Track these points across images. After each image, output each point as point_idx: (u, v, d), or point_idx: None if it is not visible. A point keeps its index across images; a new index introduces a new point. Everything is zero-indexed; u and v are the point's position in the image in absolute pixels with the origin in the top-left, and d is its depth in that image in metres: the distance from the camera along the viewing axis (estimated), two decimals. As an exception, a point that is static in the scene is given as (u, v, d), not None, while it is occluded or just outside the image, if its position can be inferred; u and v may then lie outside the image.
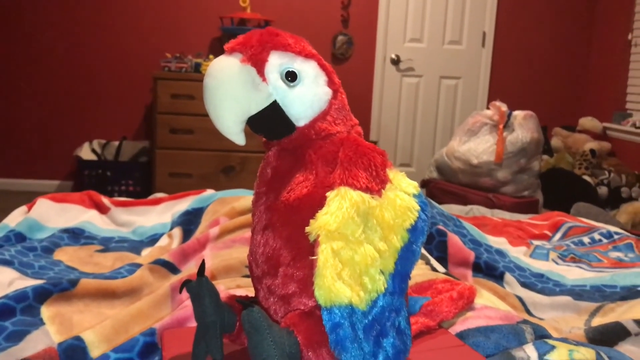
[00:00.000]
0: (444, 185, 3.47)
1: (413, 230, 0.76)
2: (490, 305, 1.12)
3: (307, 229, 0.73)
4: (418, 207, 0.76)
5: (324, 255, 0.70)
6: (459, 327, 1.02)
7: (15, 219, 1.64)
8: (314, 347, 0.73)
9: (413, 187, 0.78)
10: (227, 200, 1.74)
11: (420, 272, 1.25)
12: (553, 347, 0.85)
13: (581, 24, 4.71)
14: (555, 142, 4.40)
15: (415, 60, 4.60)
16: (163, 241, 1.62)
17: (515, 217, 2.27)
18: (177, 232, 1.66)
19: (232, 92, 0.74)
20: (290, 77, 0.77)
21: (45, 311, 1.13)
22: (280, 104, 0.77)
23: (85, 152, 4.05)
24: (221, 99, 0.74)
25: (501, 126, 3.33)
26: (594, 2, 4.68)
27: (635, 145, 4.10)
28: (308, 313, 0.76)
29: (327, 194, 0.74)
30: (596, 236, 1.95)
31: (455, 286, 1.11)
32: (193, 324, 1.04)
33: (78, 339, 1.01)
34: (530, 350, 0.86)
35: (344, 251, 0.71)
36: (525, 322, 1.06)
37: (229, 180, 3.86)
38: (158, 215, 1.81)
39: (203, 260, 0.83)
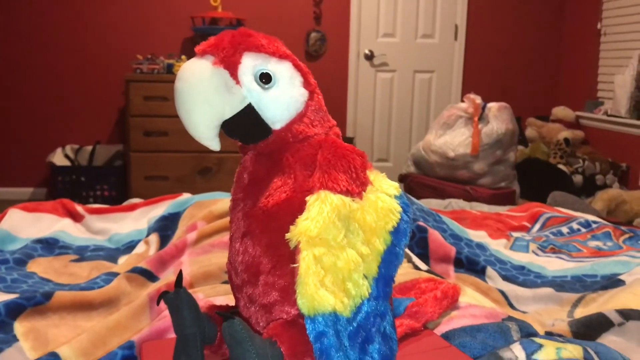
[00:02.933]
0: (422, 179, 3.48)
1: (395, 232, 0.74)
2: (474, 303, 1.11)
3: (287, 235, 0.71)
4: (400, 209, 0.75)
5: (305, 263, 0.68)
6: (444, 327, 1.01)
7: (-14, 231, 1.59)
8: (298, 358, 0.71)
9: (394, 188, 0.76)
10: (204, 204, 1.71)
11: (402, 272, 1.23)
12: (540, 346, 0.85)
13: (551, 14, 4.75)
14: (529, 132, 4.44)
15: (389, 55, 4.59)
16: (140, 248, 1.58)
17: (493, 209, 2.27)
18: (153, 238, 1.62)
19: (204, 97, 0.71)
20: (265, 78, 0.74)
21: (19, 327, 1.09)
22: (255, 107, 0.74)
23: (59, 158, 3.97)
24: (193, 103, 0.71)
25: (476, 118, 3.34)
26: (563, -8, 4.73)
27: (608, 132, 4.15)
28: (291, 322, 0.74)
29: (307, 198, 0.72)
30: (575, 226, 1.96)
31: (439, 285, 1.10)
32: (172, 335, 1.01)
33: (54, 354, 0.98)
34: (517, 350, 0.85)
35: (326, 257, 0.69)
36: (510, 319, 1.05)
37: (206, 182, 3.82)
38: (134, 222, 1.77)
39: (180, 271, 0.80)
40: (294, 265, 0.69)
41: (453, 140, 3.36)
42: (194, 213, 1.68)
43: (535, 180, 3.70)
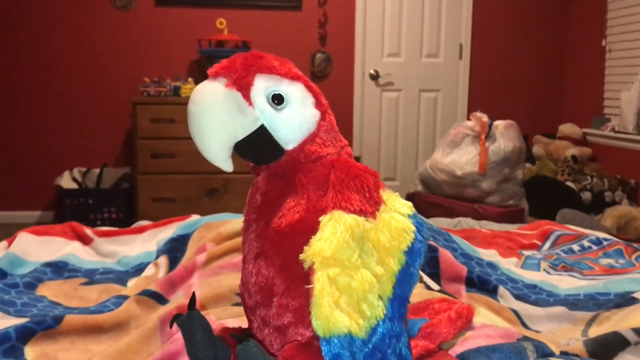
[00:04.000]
0: (429, 198, 3.47)
1: (410, 252, 0.74)
2: (488, 323, 1.10)
3: (302, 256, 0.70)
4: (414, 228, 0.74)
5: (320, 283, 0.68)
6: (459, 348, 1.00)
7: (-5, 254, 1.59)
8: (314, 380, 0.71)
9: (407, 207, 0.76)
10: (213, 225, 1.71)
11: (415, 292, 1.22)
12: (559, 366, 0.83)
13: (555, 31, 4.77)
14: (536, 149, 4.43)
15: (394, 74, 4.61)
16: (149, 271, 1.58)
17: (503, 227, 2.26)
18: (163, 260, 1.62)
19: (218, 118, 0.72)
20: (277, 100, 0.75)
21: (30, 351, 1.08)
22: (268, 128, 0.75)
23: (66, 181, 3.99)
24: (207, 125, 0.72)
25: (483, 136, 3.34)
26: (567, 10, 4.75)
27: (615, 149, 4.14)
28: (305, 344, 0.73)
29: (320, 218, 0.72)
30: (585, 243, 1.94)
31: (453, 305, 1.09)
32: (184, 358, 1.01)
33: (65, 379, 0.97)
34: (535, 370, 0.83)
35: (340, 278, 0.69)
36: (525, 339, 1.04)
37: (213, 203, 3.82)
38: (143, 244, 1.77)
39: (193, 293, 0.80)
40: (309, 286, 0.69)
41: (460, 158, 3.35)
42: (203, 235, 1.67)
43: (543, 197, 3.68)
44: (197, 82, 4.01)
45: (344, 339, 0.68)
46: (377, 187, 0.75)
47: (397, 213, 0.74)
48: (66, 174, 4.05)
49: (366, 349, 0.70)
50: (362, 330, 0.69)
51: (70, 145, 4.21)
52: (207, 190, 3.85)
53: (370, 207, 0.73)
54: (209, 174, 3.77)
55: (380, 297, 0.72)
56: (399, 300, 0.74)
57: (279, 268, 0.76)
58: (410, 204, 0.77)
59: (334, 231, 0.70)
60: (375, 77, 4.59)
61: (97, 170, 4.12)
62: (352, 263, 0.70)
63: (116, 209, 3.91)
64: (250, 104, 0.73)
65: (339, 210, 0.71)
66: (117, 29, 4.17)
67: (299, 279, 0.73)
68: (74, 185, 4.02)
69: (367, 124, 4.65)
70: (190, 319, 0.76)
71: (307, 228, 0.73)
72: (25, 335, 1.10)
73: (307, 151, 0.77)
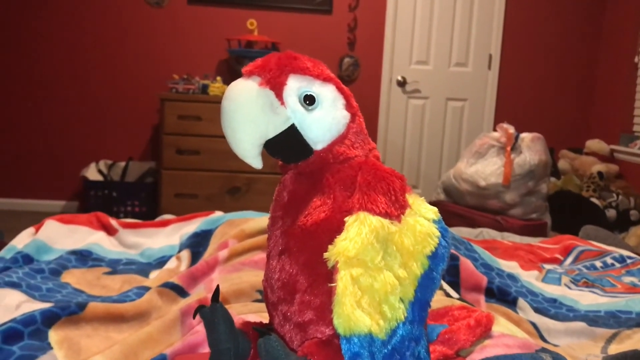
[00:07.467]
0: (452, 208, 3.45)
1: (433, 256, 0.74)
2: (507, 332, 1.10)
3: (326, 254, 0.71)
4: (438, 233, 0.75)
5: (343, 282, 0.69)
6: (476, 355, 1.00)
7: (23, 240, 1.63)
8: (333, 377, 0.71)
9: (433, 212, 0.76)
10: (236, 222, 1.73)
11: (435, 299, 1.22)
12: (577, 378, 0.83)
13: (587, 46, 4.72)
14: (562, 164, 4.39)
15: (422, 82, 4.60)
16: (171, 264, 1.60)
17: (525, 240, 2.24)
18: (185, 254, 1.64)
19: (250, 116, 0.73)
20: (309, 100, 0.76)
21: (54, 335, 1.11)
22: (298, 128, 0.76)
23: (92, 173, 4.05)
24: (239, 122, 0.73)
25: (509, 148, 3.31)
26: (599, 25, 4.70)
27: (643, 167, 4.08)
28: (326, 342, 0.74)
29: (346, 219, 0.73)
30: (609, 260, 1.92)
31: (472, 313, 1.09)
32: (204, 349, 1.02)
33: (87, 364, 0.99)
34: (553, 381, 0.83)
35: (363, 278, 0.70)
36: (544, 350, 1.04)
37: (235, 201, 3.85)
38: (166, 237, 1.79)
39: (217, 286, 0.81)
40: (332, 284, 0.70)
41: (484, 169, 3.34)
42: (226, 231, 1.69)
43: (567, 213, 3.64)
44: (225, 81, 4.05)
45: (364, 338, 0.68)
46: (404, 191, 0.76)
47: (422, 217, 0.75)
48: (92, 166, 4.12)
49: (385, 350, 0.71)
50: (383, 331, 0.70)
51: (98, 137, 4.28)
52: (229, 188, 3.88)
53: (395, 210, 0.74)
54: (232, 173, 3.80)
55: (401, 300, 0.72)
56: (420, 304, 0.75)
57: (302, 265, 0.77)
58: (435, 209, 0.77)
59: (359, 232, 0.71)
60: (402, 83, 4.58)
61: (122, 164, 4.18)
62: (375, 264, 0.71)
63: (139, 203, 3.96)
64: (282, 103, 0.75)
65: (364, 211, 0.72)
66: (149, 25, 4.23)
67: (322, 277, 0.74)
68: (99, 177, 4.08)
69: (393, 131, 4.64)
70: (213, 311, 0.77)
71: (332, 227, 0.74)
72: (50, 319, 1.13)
73: (336, 152, 0.78)
